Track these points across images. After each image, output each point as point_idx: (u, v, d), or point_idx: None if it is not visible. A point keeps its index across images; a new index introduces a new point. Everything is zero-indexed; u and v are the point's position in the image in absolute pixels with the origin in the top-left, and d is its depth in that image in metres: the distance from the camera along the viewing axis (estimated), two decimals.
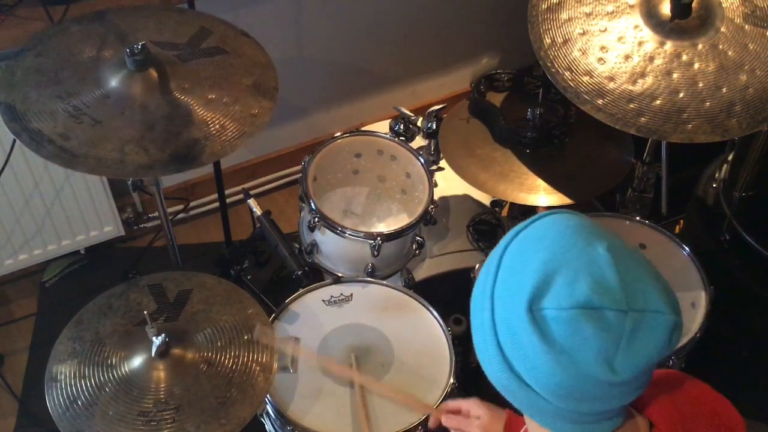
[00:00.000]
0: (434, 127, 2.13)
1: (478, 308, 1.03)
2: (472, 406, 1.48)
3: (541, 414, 1.02)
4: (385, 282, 2.00)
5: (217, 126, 1.73)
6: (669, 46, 1.81)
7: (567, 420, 1.01)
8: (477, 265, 1.99)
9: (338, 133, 2.13)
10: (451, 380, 1.79)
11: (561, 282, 0.94)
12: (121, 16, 1.91)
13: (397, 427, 1.70)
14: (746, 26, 1.81)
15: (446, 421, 1.50)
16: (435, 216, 2.05)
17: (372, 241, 1.95)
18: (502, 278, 1.01)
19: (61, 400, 1.57)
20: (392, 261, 2.06)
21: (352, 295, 1.97)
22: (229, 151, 1.72)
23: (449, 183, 2.23)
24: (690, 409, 1.12)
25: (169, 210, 2.70)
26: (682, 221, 2.53)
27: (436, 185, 2.07)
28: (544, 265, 0.96)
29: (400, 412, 1.73)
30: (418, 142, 2.17)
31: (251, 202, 2.07)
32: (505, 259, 1.02)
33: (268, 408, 1.77)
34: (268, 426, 1.80)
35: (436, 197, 2.05)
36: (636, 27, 1.83)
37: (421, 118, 2.16)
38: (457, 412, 1.50)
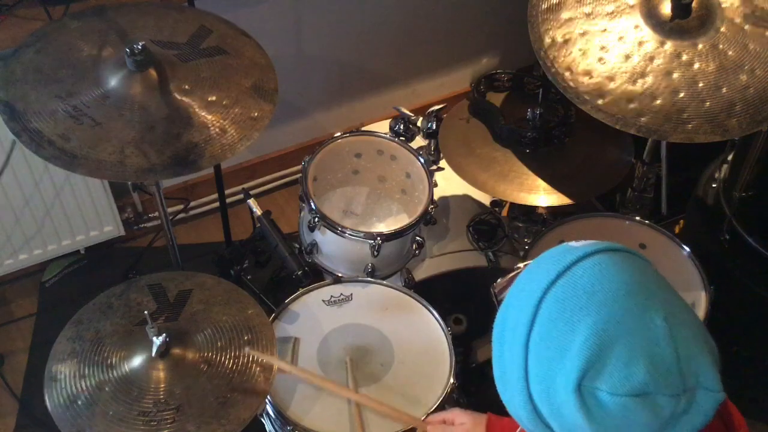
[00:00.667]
0: (434, 127, 2.13)
1: (505, 348, 0.99)
2: (455, 415, 1.50)
3: None
4: (385, 282, 2.00)
5: (217, 129, 1.73)
6: (669, 46, 1.81)
7: None
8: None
9: (338, 133, 2.13)
10: (451, 380, 1.78)
11: (616, 362, 0.90)
12: (121, 13, 1.90)
13: (396, 427, 1.70)
14: (746, 26, 1.81)
15: (432, 431, 1.52)
16: (435, 216, 2.05)
17: (372, 241, 1.95)
18: (542, 332, 0.95)
19: (61, 400, 1.57)
20: (392, 261, 2.05)
21: (352, 295, 1.97)
22: (229, 154, 1.72)
23: (449, 183, 2.23)
24: None
25: (169, 210, 2.70)
26: (682, 221, 2.53)
27: (436, 185, 2.07)
28: (597, 336, 0.91)
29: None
30: (418, 142, 2.16)
31: (251, 202, 2.06)
32: (544, 308, 0.95)
33: (268, 408, 1.76)
34: (268, 426, 1.80)
35: (436, 197, 2.05)
36: (636, 27, 1.83)
37: (421, 118, 2.16)
38: (440, 423, 1.52)
